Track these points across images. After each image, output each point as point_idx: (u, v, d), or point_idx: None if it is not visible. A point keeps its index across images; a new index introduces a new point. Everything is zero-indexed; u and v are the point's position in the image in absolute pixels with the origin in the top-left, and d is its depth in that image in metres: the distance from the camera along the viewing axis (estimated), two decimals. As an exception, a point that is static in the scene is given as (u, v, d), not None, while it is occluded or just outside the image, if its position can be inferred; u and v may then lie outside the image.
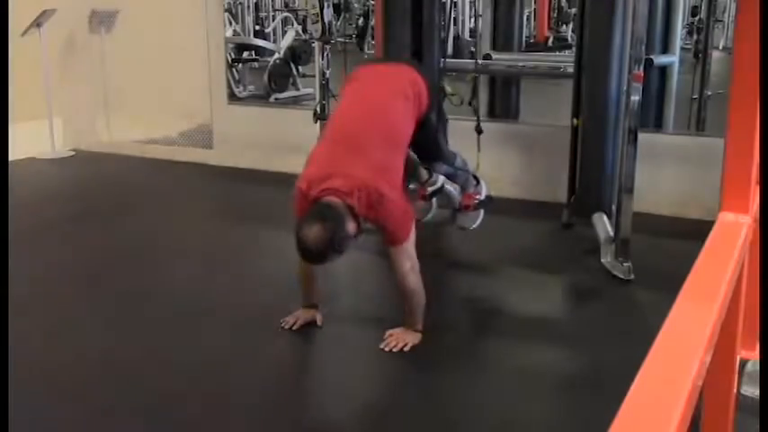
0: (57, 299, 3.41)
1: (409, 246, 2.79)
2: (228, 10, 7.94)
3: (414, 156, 3.47)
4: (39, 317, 3.18)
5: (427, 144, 3.27)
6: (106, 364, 2.79)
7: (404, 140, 2.94)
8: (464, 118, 4.22)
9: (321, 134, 3.05)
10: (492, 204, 3.88)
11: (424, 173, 3.69)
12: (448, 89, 4.00)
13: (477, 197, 3.78)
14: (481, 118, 4.07)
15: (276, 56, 8.15)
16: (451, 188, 3.69)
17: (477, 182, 3.81)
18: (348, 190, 2.62)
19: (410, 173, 3.48)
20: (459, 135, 4.05)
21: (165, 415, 2.46)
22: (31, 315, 3.16)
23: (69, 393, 2.59)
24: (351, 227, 2.60)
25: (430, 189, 3.72)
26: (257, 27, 9.56)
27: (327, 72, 4.19)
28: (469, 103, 3.99)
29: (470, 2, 9.98)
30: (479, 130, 3.93)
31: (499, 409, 2.50)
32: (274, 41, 9.05)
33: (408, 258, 2.78)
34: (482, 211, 3.80)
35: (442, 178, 3.71)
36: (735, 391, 1.37)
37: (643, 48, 3.40)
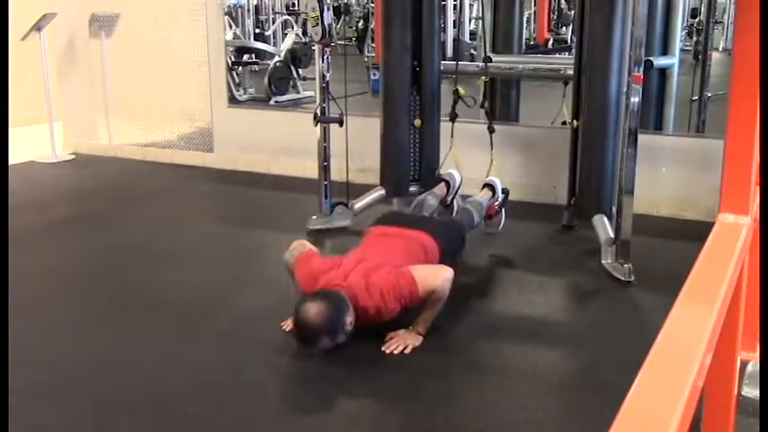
0: (56, 300, 3.41)
1: (425, 272, 2.87)
2: (228, 13, 7.94)
3: (468, 212, 3.71)
4: (39, 318, 3.18)
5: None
6: (105, 364, 2.79)
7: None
8: (471, 120, 4.24)
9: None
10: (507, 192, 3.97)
11: (487, 195, 3.88)
12: (461, 90, 4.04)
13: (497, 204, 3.91)
14: (478, 120, 4.10)
15: (276, 59, 8.15)
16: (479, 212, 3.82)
17: (494, 192, 3.89)
18: (348, 285, 2.78)
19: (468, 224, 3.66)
20: (469, 138, 4.07)
21: (164, 415, 2.46)
22: (31, 316, 3.16)
23: (69, 394, 2.59)
24: (350, 318, 2.72)
25: (497, 204, 3.89)
26: (257, 30, 9.56)
27: (327, 75, 4.19)
28: (482, 106, 4.06)
29: (470, 4, 9.99)
30: (492, 129, 3.98)
31: (499, 412, 2.49)
32: (274, 44, 9.05)
33: (436, 275, 2.86)
34: (503, 212, 3.93)
35: (498, 184, 3.93)
36: (736, 392, 1.37)
37: (643, 49, 3.40)
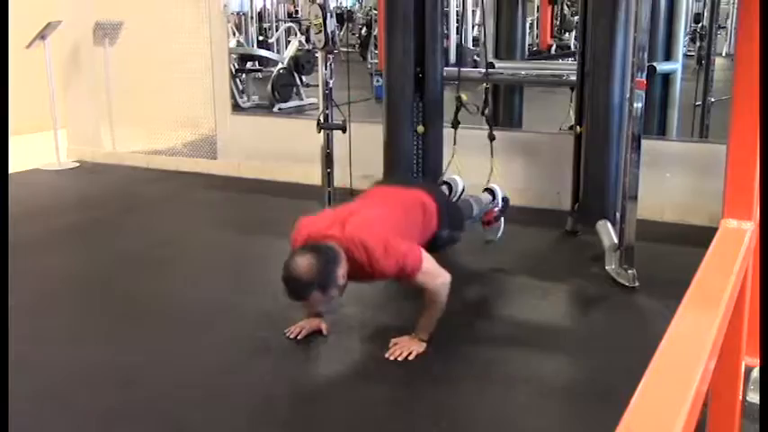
0: (58, 307, 3.41)
1: (429, 266, 2.79)
2: (232, 21, 7.97)
3: (467, 201, 3.72)
4: (42, 324, 3.18)
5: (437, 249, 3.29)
6: (107, 371, 2.79)
7: (416, 221, 3.03)
8: (473, 127, 4.24)
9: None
10: (508, 204, 3.96)
11: (483, 198, 3.86)
12: (464, 97, 4.04)
13: (495, 210, 3.90)
14: (480, 127, 4.10)
15: (280, 66, 8.17)
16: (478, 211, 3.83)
17: (494, 197, 3.88)
18: (345, 240, 2.66)
19: (467, 215, 3.64)
20: (471, 144, 4.07)
21: (166, 421, 2.46)
22: (33, 323, 3.16)
23: (70, 401, 2.59)
24: (341, 271, 2.62)
25: (496, 210, 3.89)
26: (261, 37, 9.60)
27: (331, 82, 4.20)
28: (482, 113, 4.05)
29: (473, 11, 10.01)
30: (492, 137, 3.97)
31: (503, 419, 2.49)
32: (278, 52, 9.08)
33: (436, 276, 2.80)
34: (503, 220, 3.92)
35: (498, 190, 3.92)
36: (740, 398, 1.36)
37: (646, 55, 3.40)
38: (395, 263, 2.68)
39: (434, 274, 2.81)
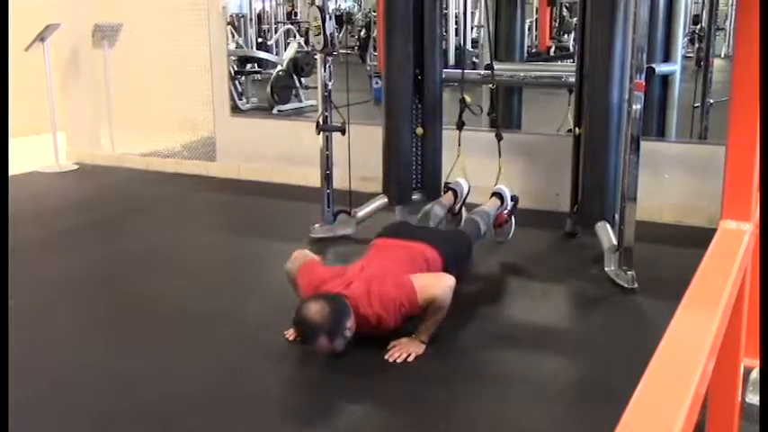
0: (58, 309, 3.41)
1: (424, 281, 2.87)
2: (231, 23, 7.97)
3: (473, 221, 3.70)
4: (41, 326, 3.18)
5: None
6: (107, 374, 2.79)
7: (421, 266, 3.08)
8: (476, 128, 4.24)
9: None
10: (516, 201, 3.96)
11: (495, 203, 3.86)
12: (468, 99, 4.04)
13: (506, 212, 3.90)
14: (483, 128, 4.10)
15: (279, 68, 8.17)
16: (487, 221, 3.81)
17: (502, 201, 3.87)
18: (353, 297, 2.78)
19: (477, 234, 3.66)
20: (474, 145, 4.07)
21: (165, 423, 2.46)
22: (32, 325, 3.16)
23: (70, 404, 2.58)
24: (350, 324, 2.74)
25: (506, 212, 3.88)
26: (260, 39, 9.60)
27: (330, 84, 4.20)
28: (489, 114, 4.05)
29: (472, 12, 10.01)
30: (500, 137, 3.97)
31: (503, 420, 2.49)
32: (277, 54, 9.08)
33: (436, 283, 2.86)
34: (513, 219, 3.92)
35: (507, 192, 3.91)
36: (739, 399, 1.36)
37: (644, 56, 3.40)
38: (396, 311, 2.80)
39: (433, 283, 2.85)
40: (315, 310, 2.68)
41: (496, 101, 4.51)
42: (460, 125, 4.04)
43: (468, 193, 4.03)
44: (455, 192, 4.01)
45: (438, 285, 2.84)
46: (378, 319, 2.78)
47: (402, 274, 2.90)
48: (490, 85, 4.13)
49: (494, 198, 3.91)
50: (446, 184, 4.15)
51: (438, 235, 3.54)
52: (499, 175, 3.96)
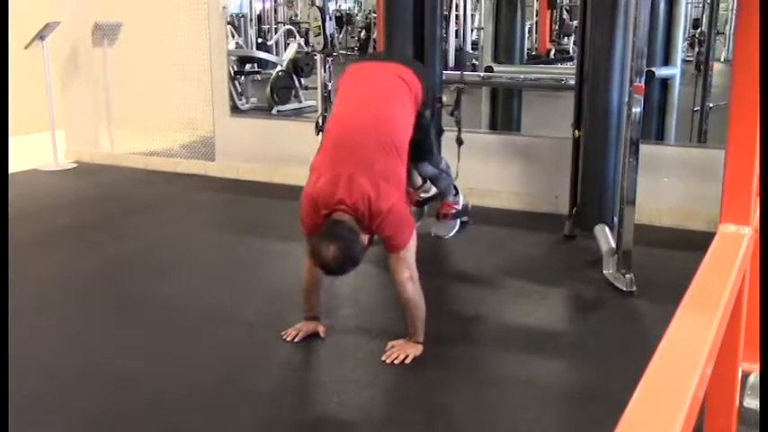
0: (57, 309, 3.41)
1: (408, 254, 2.82)
2: (231, 23, 7.97)
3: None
4: (40, 325, 3.17)
5: (419, 140, 3.24)
6: (105, 374, 2.78)
7: (404, 148, 2.96)
8: (472, 131, 4.23)
9: (323, 139, 3.07)
10: (470, 215, 3.91)
11: (418, 179, 3.73)
12: (444, 99, 4.02)
13: (456, 207, 3.88)
14: (483, 130, 4.09)
15: (278, 68, 8.17)
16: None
17: (457, 192, 3.86)
18: (353, 203, 2.70)
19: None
20: (469, 147, 4.07)
21: (165, 424, 2.46)
22: (31, 324, 3.16)
23: (68, 404, 2.58)
24: (362, 239, 2.73)
25: (423, 195, 3.77)
26: (260, 40, 9.60)
27: (329, 84, 4.20)
28: (451, 114, 4.00)
29: (472, 14, 10.03)
30: (460, 141, 3.96)
31: (499, 423, 2.49)
32: (277, 54, 9.08)
33: (407, 267, 2.81)
34: (458, 221, 3.87)
35: (434, 189, 3.81)
36: (737, 403, 1.36)
37: (644, 60, 3.41)
38: (394, 226, 2.76)
39: (406, 265, 2.81)
40: (331, 254, 2.62)
41: (491, 103, 4.49)
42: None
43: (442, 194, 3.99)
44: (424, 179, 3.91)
45: (405, 270, 2.80)
46: (371, 224, 2.74)
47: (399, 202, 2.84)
48: (457, 86, 4.06)
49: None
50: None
51: (411, 62, 3.52)
52: (456, 178, 3.95)
